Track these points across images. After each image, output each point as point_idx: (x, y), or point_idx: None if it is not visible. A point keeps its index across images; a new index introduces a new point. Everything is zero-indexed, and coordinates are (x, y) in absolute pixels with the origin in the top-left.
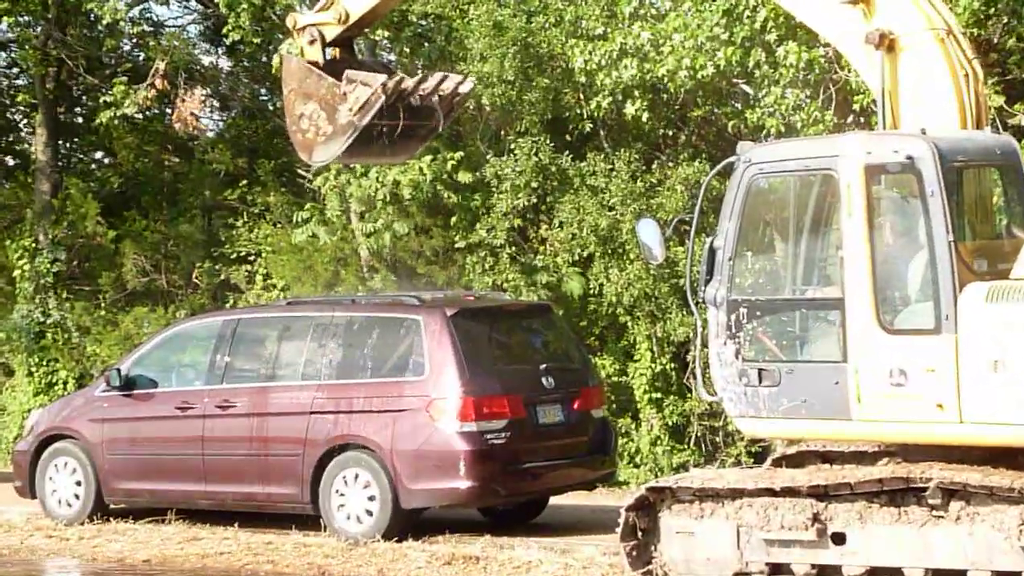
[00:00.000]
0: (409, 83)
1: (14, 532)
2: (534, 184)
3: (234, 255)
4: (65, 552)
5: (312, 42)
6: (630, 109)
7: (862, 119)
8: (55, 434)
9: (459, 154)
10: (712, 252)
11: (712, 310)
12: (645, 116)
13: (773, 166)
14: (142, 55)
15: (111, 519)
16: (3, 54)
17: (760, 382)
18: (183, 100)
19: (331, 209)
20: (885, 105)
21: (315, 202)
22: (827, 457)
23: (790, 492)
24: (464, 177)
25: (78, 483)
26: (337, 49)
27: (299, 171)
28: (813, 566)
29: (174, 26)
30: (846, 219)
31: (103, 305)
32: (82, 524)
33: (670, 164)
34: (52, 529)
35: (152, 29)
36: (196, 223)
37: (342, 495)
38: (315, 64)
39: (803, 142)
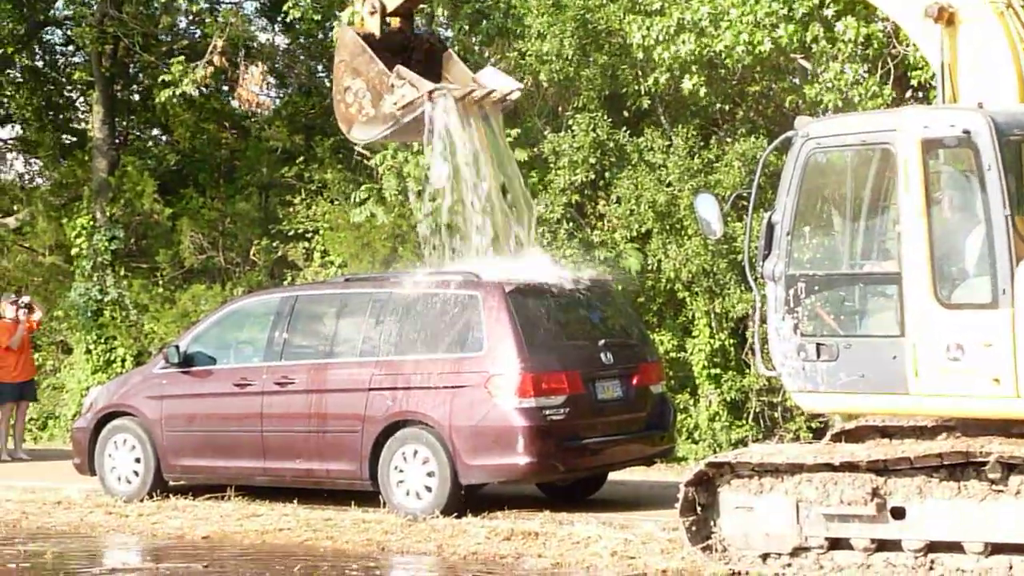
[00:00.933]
0: (458, 94)
1: (74, 509)
2: (592, 160)
3: (291, 232)
4: (124, 529)
5: (372, 13)
6: (687, 85)
7: (920, 94)
8: (114, 411)
9: (516, 131)
10: (770, 227)
11: (770, 285)
12: (702, 92)
13: (831, 141)
14: (198, 32)
15: (170, 496)
16: (59, 31)
17: (818, 357)
18: (244, 77)
19: (388, 188)
20: (944, 79)
21: (372, 180)
22: (886, 432)
23: (849, 467)
24: (520, 155)
25: (137, 460)
26: (396, 19)
27: (357, 149)
28: (872, 541)
29: (231, 2)
30: (903, 194)
31: (161, 283)
32: (141, 501)
33: (727, 140)
34: (111, 506)
35: (208, 6)
36: (253, 200)
37: (401, 471)
38: (371, 36)
39: (860, 116)
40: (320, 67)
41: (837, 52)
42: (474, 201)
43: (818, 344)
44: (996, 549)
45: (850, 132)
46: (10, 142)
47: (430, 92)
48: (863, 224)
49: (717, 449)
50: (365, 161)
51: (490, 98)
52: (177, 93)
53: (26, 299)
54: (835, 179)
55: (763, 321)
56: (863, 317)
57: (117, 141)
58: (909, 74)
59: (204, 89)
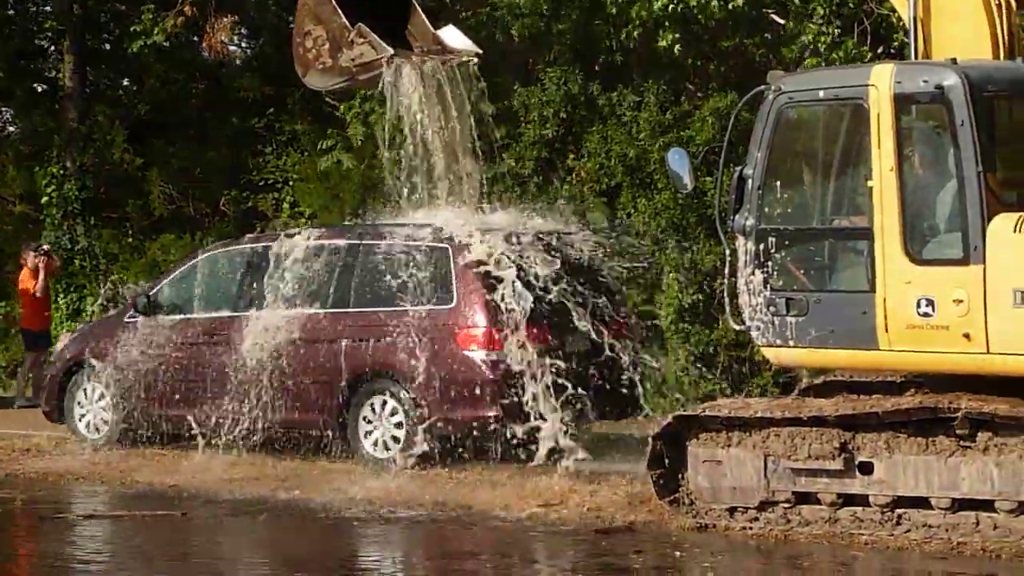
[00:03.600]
0: (415, 59)
1: (43, 456)
2: (562, 115)
3: (261, 183)
4: (94, 477)
5: None
6: (663, 42)
7: (901, 57)
8: (83, 359)
9: (482, 85)
10: (741, 181)
11: (741, 239)
12: (677, 48)
13: (803, 95)
14: None
15: (139, 444)
16: None
17: (788, 311)
18: (212, 26)
19: (354, 136)
20: (916, 35)
21: (341, 129)
22: (854, 387)
23: (817, 421)
24: (488, 108)
25: (105, 408)
26: None
27: (327, 99)
28: (839, 495)
29: None
30: (875, 149)
31: (130, 232)
32: (110, 449)
33: (699, 95)
34: (80, 453)
35: None
36: (223, 151)
37: (370, 423)
38: None
39: (833, 71)
40: (291, 17)
41: (811, 10)
42: (431, 160)
43: (788, 299)
44: (963, 505)
45: (822, 87)
46: None
47: (389, 59)
48: (834, 179)
49: (685, 403)
50: (335, 113)
51: (447, 64)
52: (148, 43)
53: (45, 246)
54: (806, 134)
55: (733, 275)
56: (833, 272)
57: (88, 91)
58: (887, 36)
59: (175, 40)
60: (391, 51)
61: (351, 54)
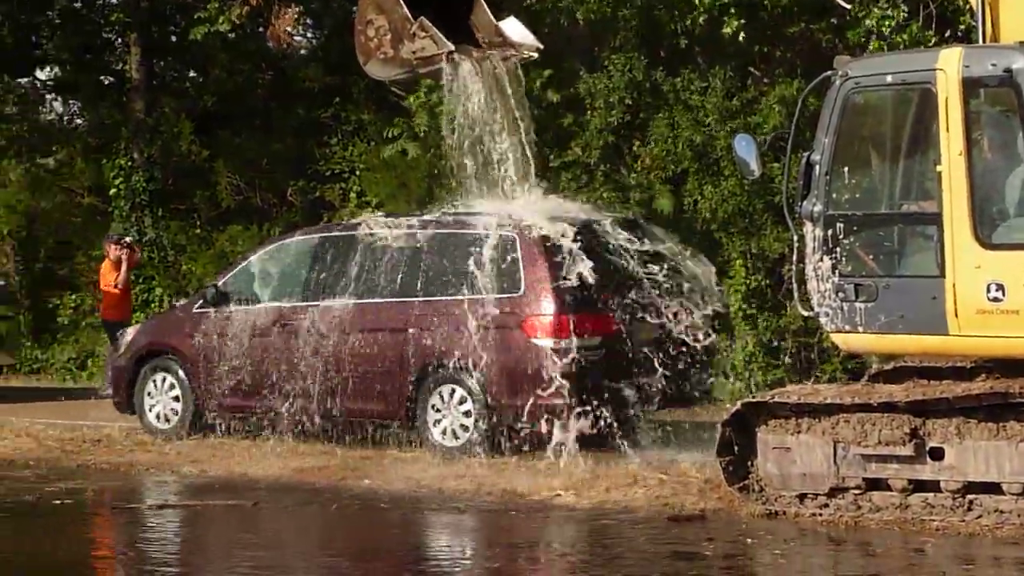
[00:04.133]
0: (476, 55)
1: (114, 447)
2: (628, 101)
3: (328, 173)
4: (164, 467)
5: None
6: (728, 28)
7: (967, 41)
8: (152, 350)
9: (547, 72)
10: (809, 167)
11: (809, 226)
12: (741, 36)
13: (870, 80)
14: None
15: (209, 434)
16: None
17: (857, 297)
18: (277, 17)
19: (419, 125)
20: (984, 17)
21: (407, 119)
22: (924, 373)
23: (888, 407)
24: (553, 96)
25: (176, 399)
26: None
27: (392, 89)
28: (910, 481)
29: None
30: (943, 133)
31: (198, 223)
32: (180, 439)
33: (765, 81)
34: (151, 444)
35: None
36: (289, 141)
37: (439, 411)
38: None
39: (900, 56)
40: (355, 7)
41: None
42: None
43: (856, 284)
44: None
45: (889, 72)
46: (49, 83)
47: (449, 55)
48: (902, 164)
49: (754, 390)
50: (401, 102)
51: (507, 61)
52: (211, 30)
53: (128, 238)
54: (874, 119)
55: (801, 261)
56: (902, 257)
57: (154, 83)
58: (955, 20)
59: (240, 31)
60: (451, 47)
61: (412, 47)
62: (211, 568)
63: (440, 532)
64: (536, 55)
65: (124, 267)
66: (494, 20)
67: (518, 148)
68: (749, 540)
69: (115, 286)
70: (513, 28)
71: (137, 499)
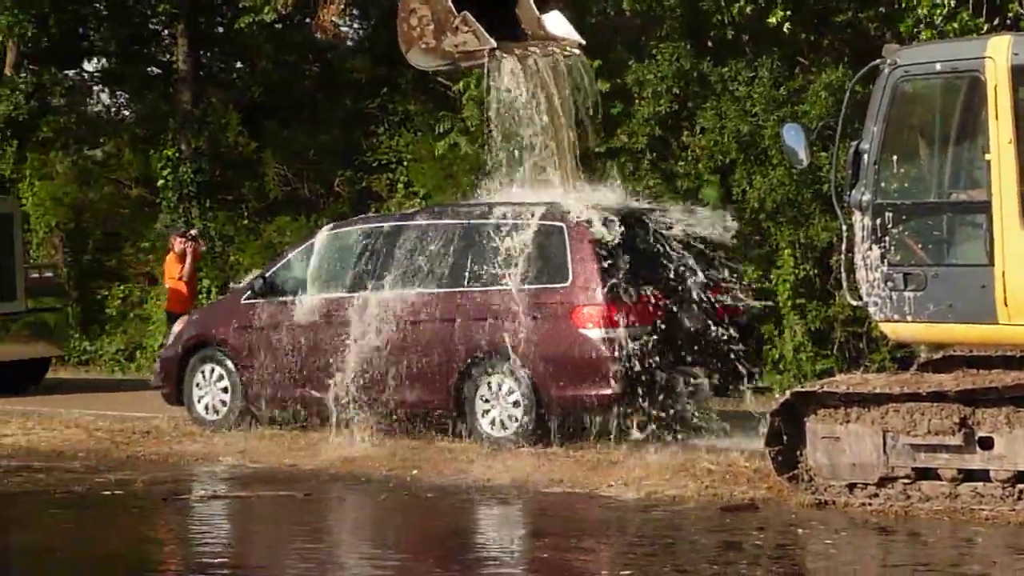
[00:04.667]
0: (517, 53)
1: (163, 438)
2: (675, 90)
3: (375, 163)
4: (213, 458)
5: None
6: (773, 18)
7: (1017, 29)
8: (200, 341)
9: (597, 62)
10: (857, 156)
11: (857, 215)
12: (787, 27)
13: (919, 68)
14: None
15: (258, 425)
16: None
17: (906, 286)
18: (323, 7)
19: (470, 119)
20: None
21: (454, 110)
22: (973, 363)
23: (937, 397)
24: (603, 85)
25: (224, 390)
26: None
27: (440, 79)
28: (960, 471)
29: None
30: (993, 122)
31: (246, 214)
32: (229, 430)
33: (813, 70)
34: (199, 435)
35: None
36: (336, 132)
37: (487, 401)
38: None
39: (949, 44)
40: None
41: None
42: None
43: (905, 274)
44: None
45: (938, 60)
46: (96, 75)
47: (491, 52)
48: (951, 152)
49: (802, 379)
50: (448, 92)
51: (548, 57)
52: (256, 19)
53: (193, 231)
54: (923, 107)
55: (849, 250)
56: (951, 246)
57: (201, 74)
58: (1006, 7)
59: (286, 21)
60: (493, 44)
61: (454, 40)
62: (262, 558)
63: (489, 522)
64: (578, 51)
65: (189, 260)
66: (538, 13)
67: (563, 141)
68: (800, 530)
69: (180, 279)
70: (556, 23)
71: (187, 490)
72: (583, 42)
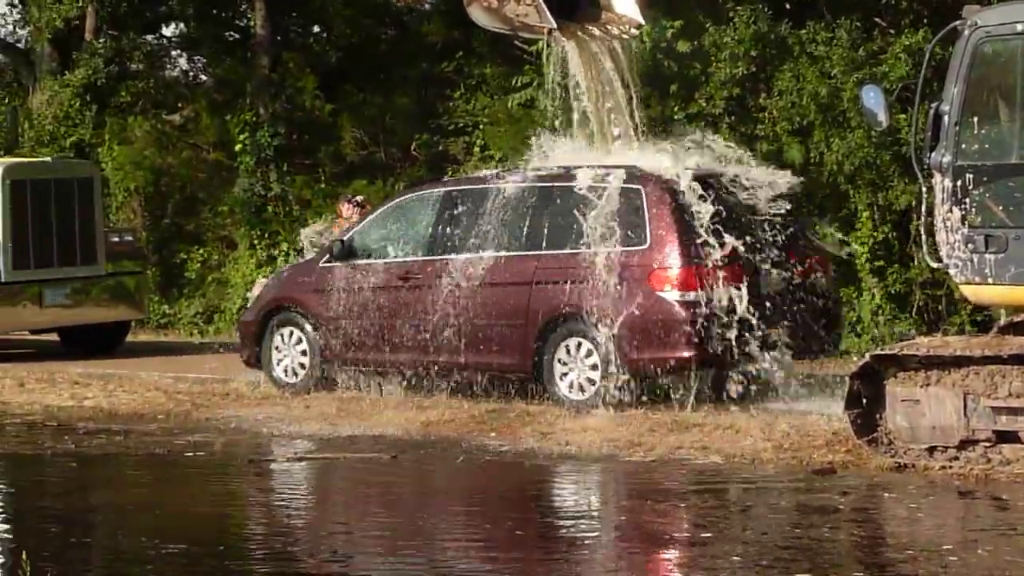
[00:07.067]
0: (579, 36)
1: (242, 401)
2: (753, 53)
3: (451, 127)
4: (292, 421)
5: None
6: None
7: None
8: (279, 305)
9: (678, 23)
10: (938, 118)
11: (937, 177)
12: None
13: (1000, 29)
14: None
15: (336, 389)
16: None
17: (987, 248)
18: None
19: (548, 78)
20: None
21: (536, 69)
22: None
23: (1018, 359)
24: (683, 46)
25: (303, 353)
26: None
27: (516, 43)
28: None
29: None
30: None
31: (323, 178)
32: (308, 394)
33: (891, 31)
34: (278, 398)
35: None
36: (412, 96)
37: (564, 364)
38: None
39: None
40: None
41: None
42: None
43: (987, 236)
44: None
45: (1019, 20)
46: (174, 40)
47: (551, 31)
48: None
49: (881, 343)
50: (525, 56)
51: (606, 39)
52: None
53: (360, 197)
54: (1004, 68)
55: (929, 213)
56: None
57: (278, 38)
58: None
59: None
60: (553, 24)
61: (516, 9)
62: (346, 520)
63: (568, 485)
64: (637, 32)
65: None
66: None
67: (624, 112)
68: (885, 494)
69: None
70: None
71: (269, 452)
72: (643, 23)
